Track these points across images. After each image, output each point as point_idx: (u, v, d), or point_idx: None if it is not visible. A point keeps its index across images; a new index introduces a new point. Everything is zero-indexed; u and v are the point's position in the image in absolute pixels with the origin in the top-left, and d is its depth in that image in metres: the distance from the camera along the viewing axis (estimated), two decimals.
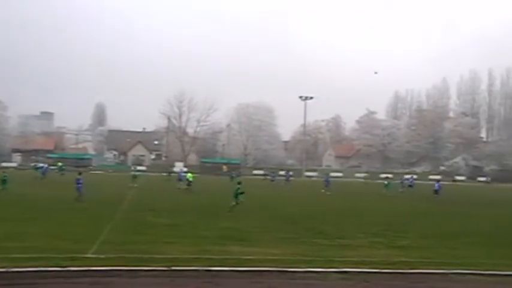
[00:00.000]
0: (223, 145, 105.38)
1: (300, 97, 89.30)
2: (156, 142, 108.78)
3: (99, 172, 72.15)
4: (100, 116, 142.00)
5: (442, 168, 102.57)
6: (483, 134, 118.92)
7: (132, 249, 13.96)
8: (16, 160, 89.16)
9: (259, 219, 22.62)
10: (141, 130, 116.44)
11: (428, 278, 12.36)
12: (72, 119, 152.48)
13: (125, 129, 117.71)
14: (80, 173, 30.35)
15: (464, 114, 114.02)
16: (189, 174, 41.74)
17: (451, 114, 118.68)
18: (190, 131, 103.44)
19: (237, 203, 25.39)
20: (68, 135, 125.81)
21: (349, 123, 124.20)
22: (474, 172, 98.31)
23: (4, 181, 33.51)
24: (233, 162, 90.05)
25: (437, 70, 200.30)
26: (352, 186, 60.72)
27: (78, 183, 28.59)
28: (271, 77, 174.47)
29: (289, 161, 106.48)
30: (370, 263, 13.39)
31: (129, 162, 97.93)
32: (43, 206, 24.55)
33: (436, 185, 42.18)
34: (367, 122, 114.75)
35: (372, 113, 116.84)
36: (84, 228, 17.67)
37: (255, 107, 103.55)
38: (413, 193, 47.51)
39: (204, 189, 40.75)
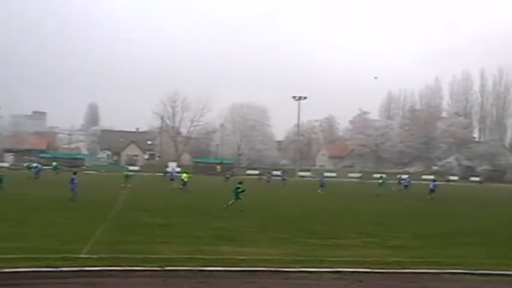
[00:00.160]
0: (217, 145, 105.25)
1: (294, 97, 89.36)
2: (149, 142, 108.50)
3: (92, 172, 71.88)
4: (93, 115, 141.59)
5: (435, 168, 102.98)
6: (475, 134, 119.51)
7: (125, 250, 13.94)
8: (8, 160, 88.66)
9: (252, 219, 22.63)
10: (134, 130, 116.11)
11: (420, 277, 12.43)
12: (65, 118, 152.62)
13: (118, 129, 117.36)
14: (74, 173, 30.29)
15: (457, 114, 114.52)
16: (184, 174, 41.62)
17: (444, 114, 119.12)
18: (183, 130, 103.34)
19: (234, 202, 25.51)
20: (60, 135, 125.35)
21: (343, 124, 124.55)
22: (467, 172, 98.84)
23: (0, 180, 33.30)
24: (227, 162, 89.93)
25: (430, 70, 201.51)
26: (346, 186, 60.84)
27: (72, 183, 28.50)
28: (265, 77, 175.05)
29: (283, 161, 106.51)
30: (364, 262, 13.45)
31: (123, 162, 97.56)
32: (36, 206, 24.44)
33: (432, 184, 42.40)
34: (361, 122, 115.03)
35: (365, 113, 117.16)
36: (77, 229, 17.62)
37: (249, 107, 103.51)
38: (408, 193, 47.70)
39: (197, 189, 40.70)
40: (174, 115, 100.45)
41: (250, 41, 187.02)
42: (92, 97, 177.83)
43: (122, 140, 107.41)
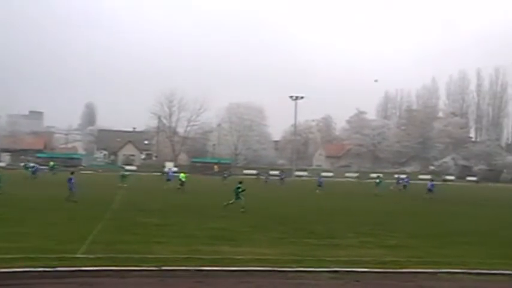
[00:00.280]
0: (214, 145, 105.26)
1: (291, 97, 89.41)
2: (146, 142, 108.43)
3: (89, 172, 71.71)
4: (90, 115, 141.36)
5: (432, 168, 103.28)
6: (472, 134, 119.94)
7: (122, 249, 13.91)
8: (5, 160, 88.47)
9: (250, 219, 22.62)
10: (131, 130, 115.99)
11: (417, 277, 12.44)
12: (62, 118, 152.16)
13: (115, 128, 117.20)
14: (72, 173, 30.21)
15: (454, 114, 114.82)
16: (182, 174, 41.39)
17: (441, 114, 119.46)
18: (180, 130, 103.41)
19: (235, 201, 25.51)
20: (57, 135, 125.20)
21: (340, 123, 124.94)
22: (463, 172, 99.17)
23: None
24: (224, 162, 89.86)
25: (428, 70, 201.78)
26: (343, 185, 60.87)
27: (70, 183, 28.41)
28: (262, 77, 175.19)
29: (280, 161, 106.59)
30: (361, 262, 13.45)
31: (120, 162, 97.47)
32: (33, 206, 24.35)
33: (430, 184, 42.49)
34: (358, 122, 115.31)
35: (362, 113, 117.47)
36: (73, 228, 17.57)
37: (246, 107, 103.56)
38: (407, 192, 47.77)
39: (194, 189, 40.65)
40: (171, 115, 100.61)
41: (247, 41, 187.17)
42: (89, 97, 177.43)
43: (118, 139, 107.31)
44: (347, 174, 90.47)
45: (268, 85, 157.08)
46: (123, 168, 55.79)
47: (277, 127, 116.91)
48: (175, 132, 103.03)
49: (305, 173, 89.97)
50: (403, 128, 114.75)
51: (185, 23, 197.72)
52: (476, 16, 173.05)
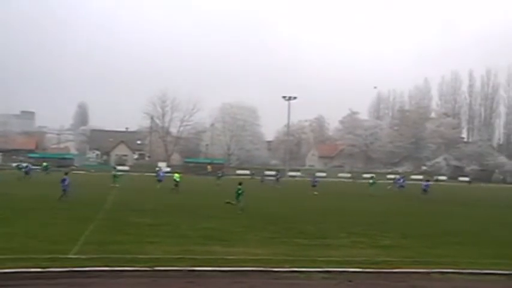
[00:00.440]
0: (207, 145, 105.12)
1: (284, 97, 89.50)
2: (139, 142, 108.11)
3: (81, 172, 71.35)
4: (82, 115, 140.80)
5: (424, 168, 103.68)
6: (464, 135, 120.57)
7: (114, 250, 13.85)
8: None
9: (243, 219, 22.60)
10: (124, 130, 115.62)
11: (410, 277, 12.47)
12: (54, 118, 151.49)
13: (107, 128, 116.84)
14: (66, 173, 30.11)
15: (446, 114, 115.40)
16: (176, 175, 41.11)
17: (433, 114, 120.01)
18: (173, 130, 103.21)
19: (238, 203, 25.47)
20: (49, 135, 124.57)
21: (333, 124, 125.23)
22: (455, 172, 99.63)
23: None
24: (217, 162, 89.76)
25: (421, 71, 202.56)
26: (336, 186, 60.96)
27: (63, 183, 28.27)
28: (255, 77, 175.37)
29: (273, 161, 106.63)
30: (353, 262, 13.47)
31: (112, 162, 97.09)
32: (25, 206, 24.20)
33: (424, 184, 42.60)
34: (350, 122, 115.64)
35: (355, 113, 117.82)
36: (65, 229, 17.48)
37: (239, 107, 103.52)
38: (401, 193, 47.92)
39: (187, 189, 40.53)
40: (163, 115, 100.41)
41: (241, 42, 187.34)
42: (81, 97, 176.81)
43: (111, 139, 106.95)
44: (340, 175, 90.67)
45: (261, 85, 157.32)
46: (115, 168, 55.51)
47: (270, 127, 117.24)
48: (168, 132, 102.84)
49: (298, 173, 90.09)
50: (395, 128, 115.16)
51: (178, 23, 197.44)
52: (476, 16, 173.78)
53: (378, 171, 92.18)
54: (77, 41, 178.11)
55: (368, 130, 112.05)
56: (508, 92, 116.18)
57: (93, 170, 79.38)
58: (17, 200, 27.31)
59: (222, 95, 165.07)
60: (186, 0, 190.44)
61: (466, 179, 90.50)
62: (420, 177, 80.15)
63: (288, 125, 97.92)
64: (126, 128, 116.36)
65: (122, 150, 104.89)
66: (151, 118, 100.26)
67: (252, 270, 12.20)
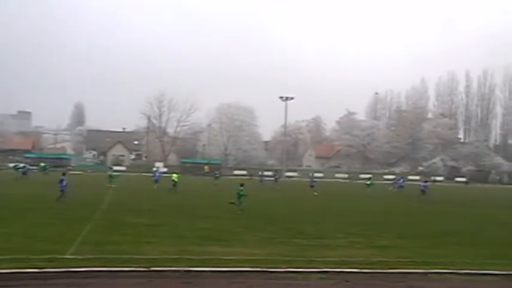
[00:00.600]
0: (204, 145, 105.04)
1: (281, 97, 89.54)
2: (136, 142, 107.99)
3: (78, 172, 71.20)
4: (79, 115, 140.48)
5: (421, 168, 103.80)
6: (460, 135, 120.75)
7: (111, 250, 13.83)
8: None
9: (241, 219, 22.61)
10: (120, 130, 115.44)
11: (407, 277, 12.49)
12: (51, 118, 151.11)
13: (104, 129, 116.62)
14: (64, 174, 30.09)
15: (443, 115, 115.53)
16: (174, 175, 41.04)
17: (430, 115, 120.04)
18: (170, 131, 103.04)
19: (240, 204, 25.48)
20: (46, 135, 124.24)
21: (330, 124, 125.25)
22: (452, 172, 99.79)
23: None
24: (214, 162, 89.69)
25: (419, 71, 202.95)
26: (334, 186, 60.98)
27: (61, 184, 28.20)
28: (252, 78, 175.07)
29: (270, 161, 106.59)
30: (350, 262, 13.48)
31: (109, 162, 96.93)
32: (22, 206, 24.17)
33: (423, 185, 42.69)
34: (347, 122, 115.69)
35: (352, 113, 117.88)
36: (62, 229, 17.44)
37: (236, 107, 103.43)
38: (399, 193, 47.96)
39: (184, 190, 40.48)
40: (160, 115, 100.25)
41: (238, 42, 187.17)
42: (78, 97, 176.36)
43: (108, 140, 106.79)
44: (337, 175, 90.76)
45: (258, 86, 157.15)
46: (111, 168, 55.40)
47: (267, 127, 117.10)
48: (165, 133, 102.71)
49: (295, 174, 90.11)
50: (392, 128, 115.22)
51: (175, 23, 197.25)
52: (475, 16, 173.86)
53: (375, 171, 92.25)
54: (75, 40, 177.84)
55: (365, 130, 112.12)
56: (504, 93, 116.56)
57: (89, 170, 79.25)
58: (14, 200, 27.28)
59: (221, 95, 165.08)
60: (185, 0, 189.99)
61: (463, 179, 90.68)
62: (417, 177, 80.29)
63: (285, 125, 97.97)
64: (123, 128, 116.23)
65: (118, 150, 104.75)
66: (148, 118, 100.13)
67: (250, 271, 12.20)
